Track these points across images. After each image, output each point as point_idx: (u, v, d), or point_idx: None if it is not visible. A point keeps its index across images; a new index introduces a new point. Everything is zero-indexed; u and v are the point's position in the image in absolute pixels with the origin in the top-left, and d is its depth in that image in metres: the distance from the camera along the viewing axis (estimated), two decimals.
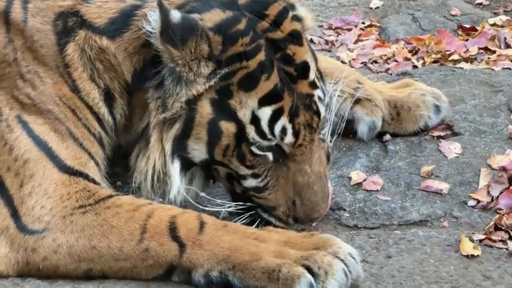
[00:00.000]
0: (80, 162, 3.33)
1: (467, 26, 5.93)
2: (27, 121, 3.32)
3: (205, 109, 3.26)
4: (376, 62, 5.55)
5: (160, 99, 3.27)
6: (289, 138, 3.30)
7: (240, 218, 3.40)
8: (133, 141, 3.40)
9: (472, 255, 3.35)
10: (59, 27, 3.35)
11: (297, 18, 3.39)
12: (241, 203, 3.42)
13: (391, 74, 5.13)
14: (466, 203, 3.73)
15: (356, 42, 5.96)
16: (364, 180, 3.90)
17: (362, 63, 5.55)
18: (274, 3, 3.34)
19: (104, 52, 3.35)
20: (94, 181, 3.34)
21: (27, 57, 3.35)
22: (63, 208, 3.23)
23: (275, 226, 3.39)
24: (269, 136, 3.29)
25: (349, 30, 6.21)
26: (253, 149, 3.31)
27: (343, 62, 5.34)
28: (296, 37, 3.35)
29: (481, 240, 3.44)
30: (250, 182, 3.38)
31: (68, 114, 3.34)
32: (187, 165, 3.36)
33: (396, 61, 5.47)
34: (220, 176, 3.45)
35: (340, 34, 6.17)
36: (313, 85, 3.37)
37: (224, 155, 3.33)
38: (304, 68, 3.34)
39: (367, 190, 3.83)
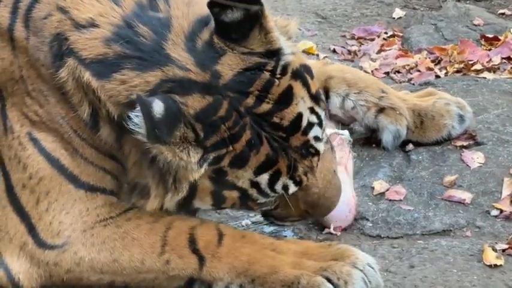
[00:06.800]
0: (95, 178, 3.29)
1: (490, 35, 5.90)
2: (37, 138, 3.27)
3: (205, 184, 3.15)
4: (398, 72, 5.53)
5: (158, 176, 3.14)
6: (292, 189, 3.23)
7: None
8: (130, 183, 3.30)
9: (495, 265, 3.34)
10: (54, 48, 3.22)
11: (284, 69, 3.13)
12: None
13: (413, 84, 5.10)
14: (489, 213, 3.72)
15: (379, 52, 5.94)
16: (387, 190, 3.90)
17: (385, 73, 5.53)
18: (259, 76, 3.08)
19: (88, 86, 3.16)
20: (113, 193, 3.32)
21: (31, 75, 3.28)
22: (83, 223, 3.24)
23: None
24: (272, 194, 3.21)
25: (372, 40, 6.19)
26: (259, 201, 3.25)
27: (365, 72, 5.31)
28: (284, 99, 3.12)
29: (504, 250, 3.43)
30: (260, 208, 3.34)
31: (71, 134, 3.27)
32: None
33: (419, 71, 5.44)
34: None
35: (362, 44, 6.15)
36: (308, 128, 3.18)
37: (232, 207, 3.30)
38: (294, 123, 3.14)
39: (390, 200, 3.83)
